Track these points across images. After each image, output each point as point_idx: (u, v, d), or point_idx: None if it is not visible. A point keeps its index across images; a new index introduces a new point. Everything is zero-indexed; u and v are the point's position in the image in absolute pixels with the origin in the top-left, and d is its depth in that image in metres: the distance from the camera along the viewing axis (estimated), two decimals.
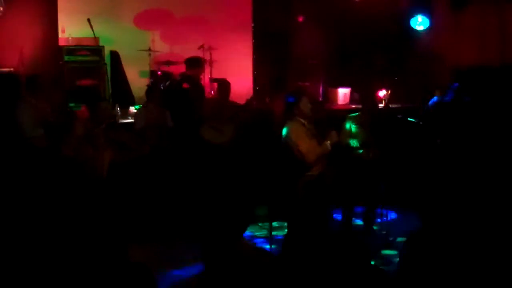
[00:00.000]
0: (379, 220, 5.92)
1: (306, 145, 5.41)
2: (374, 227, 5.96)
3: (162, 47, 8.70)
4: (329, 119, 6.73)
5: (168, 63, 8.37)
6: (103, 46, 8.00)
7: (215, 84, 7.93)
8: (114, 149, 5.35)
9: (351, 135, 5.97)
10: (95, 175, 5.16)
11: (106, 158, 5.25)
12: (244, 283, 2.76)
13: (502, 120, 7.29)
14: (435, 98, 7.79)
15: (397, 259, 3.76)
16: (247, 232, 3.57)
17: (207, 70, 8.43)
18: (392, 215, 6.17)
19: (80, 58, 7.84)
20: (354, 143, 5.97)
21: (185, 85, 7.42)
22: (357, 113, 6.12)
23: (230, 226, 3.40)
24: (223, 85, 7.05)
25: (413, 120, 6.80)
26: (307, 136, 5.47)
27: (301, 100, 5.52)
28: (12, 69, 7.23)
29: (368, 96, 6.26)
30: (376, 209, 5.89)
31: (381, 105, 7.08)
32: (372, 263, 4.79)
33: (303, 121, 5.52)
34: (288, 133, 5.51)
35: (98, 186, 5.18)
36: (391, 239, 5.74)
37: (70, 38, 8.24)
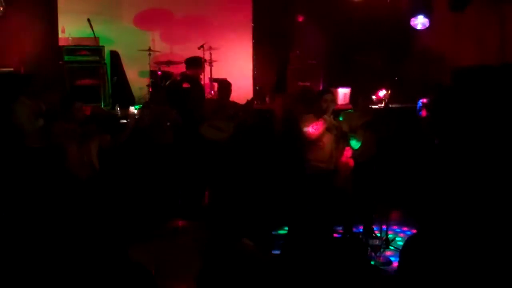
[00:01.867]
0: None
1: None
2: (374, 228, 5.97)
3: (162, 47, 8.71)
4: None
5: (168, 63, 8.37)
6: (103, 46, 8.01)
7: (215, 84, 7.93)
8: (99, 137, 5.41)
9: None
10: (87, 168, 5.23)
11: (93, 148, 5.31)
12: (244, 283, 2.76)
13: (502, 120, 7.28)
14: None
15: (397, 259, 3.77)
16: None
17: (207, 70, 8.43)
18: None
19: (80, 58, 7.84)
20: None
21: (185, 85, 7.42)
22: (350, 110, 6.18)
23: (231, 226, 3.40)
24: (223, 85, 7.05)
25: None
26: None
27: (322, 97, 5.71)
28: (12, 69, 7.23)
29: (358, 97, 6.32)
30: (373, 222, 5.93)
31: (381, 105, 7.08)
32: (372, 263, 4.81)
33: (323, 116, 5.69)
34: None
35: (93, 180, 5.23)
36: (391, 239, 5.76)
37: (70, 38, 8.24)
